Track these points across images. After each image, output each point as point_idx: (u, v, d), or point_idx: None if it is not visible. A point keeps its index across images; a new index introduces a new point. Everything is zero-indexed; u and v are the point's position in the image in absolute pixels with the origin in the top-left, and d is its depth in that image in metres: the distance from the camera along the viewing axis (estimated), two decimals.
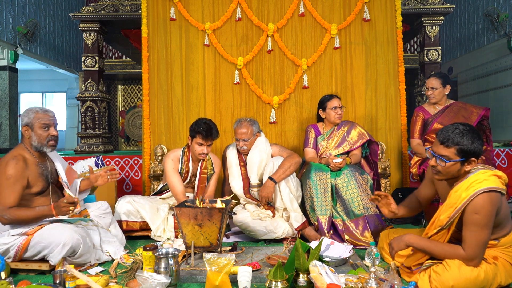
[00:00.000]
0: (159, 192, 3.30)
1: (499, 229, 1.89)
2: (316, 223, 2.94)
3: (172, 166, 3.05)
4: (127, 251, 2.62)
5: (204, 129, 2.90)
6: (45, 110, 2.44)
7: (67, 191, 2.51)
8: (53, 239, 2.20)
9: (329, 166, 3.07)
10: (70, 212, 2.28)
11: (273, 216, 2.98)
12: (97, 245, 2.48)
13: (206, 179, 3.14)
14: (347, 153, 3.30)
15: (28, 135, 2.40)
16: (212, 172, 3.17)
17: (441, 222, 1.86)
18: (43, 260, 2.28)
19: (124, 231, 2.85)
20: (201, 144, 2.94)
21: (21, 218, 2.23)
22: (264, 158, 3.11)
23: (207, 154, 3.00)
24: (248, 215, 2.93)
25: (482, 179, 1.82)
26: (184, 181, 3.09)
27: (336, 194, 3.01)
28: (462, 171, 1.89)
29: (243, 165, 3.16)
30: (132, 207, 2.99)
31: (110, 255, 2.50)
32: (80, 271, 2.18)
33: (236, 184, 3.12)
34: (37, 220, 2.27)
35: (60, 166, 2.58)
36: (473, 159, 1.86)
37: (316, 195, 2.96)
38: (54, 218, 2.31)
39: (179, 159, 3.10)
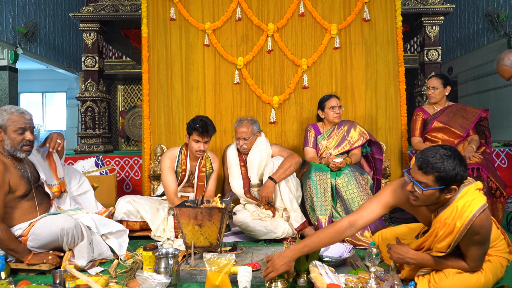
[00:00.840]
0: (162, 194, 3.29)
1: None
2: (316, 223, 2.94)
3: (168, 165, 3.06)
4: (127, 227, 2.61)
5: (200, 126, 2.90)
6: (21, 112, 2.24)
7: (47, 190, 2.38)
8: (47, 233, 2.19)
9: (329, 166, 3.07)
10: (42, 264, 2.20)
11: (273, 216, 2.98)
12: (93, 228, 2.39)
13: (205, 178, 3.13)
14: (347, 152, 3.30)
15: (1, 137, 2.21)
16: (211, 170, 3.16)
17: (440, 250, 1.80)
18: None
19: None
20: (198, 141, 2.94)
21: (3, 239, 2.13)
22: (264, 158, 3.11)
23: (204, 151, 3.00)
24: (248, 215, 2.93)
25: (470, 201, 1.70)
26: (182, 180, 3.09)
27: (336, 194, 3.01)
28: (442, 199, 1.74)
29: (243, 165, 3.16)
30: (132, 207, 2.99)
31: (112, 252, 2.48)
32: (80, 271, 2.19)
33: (236, 184, 3.12)
34: (9, 251, 2.19)
35: (38, 164, 2.38)
36: (453, 186, 1.69)
37: (316, 195, 2.96)
38: (44, 214, 2.31)
39: (176, 158, 3.10)
